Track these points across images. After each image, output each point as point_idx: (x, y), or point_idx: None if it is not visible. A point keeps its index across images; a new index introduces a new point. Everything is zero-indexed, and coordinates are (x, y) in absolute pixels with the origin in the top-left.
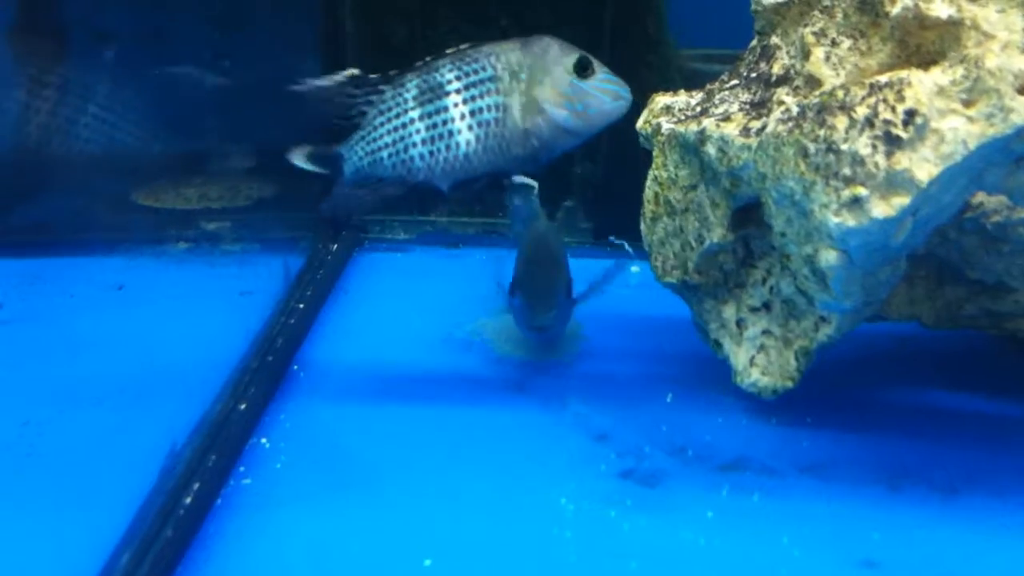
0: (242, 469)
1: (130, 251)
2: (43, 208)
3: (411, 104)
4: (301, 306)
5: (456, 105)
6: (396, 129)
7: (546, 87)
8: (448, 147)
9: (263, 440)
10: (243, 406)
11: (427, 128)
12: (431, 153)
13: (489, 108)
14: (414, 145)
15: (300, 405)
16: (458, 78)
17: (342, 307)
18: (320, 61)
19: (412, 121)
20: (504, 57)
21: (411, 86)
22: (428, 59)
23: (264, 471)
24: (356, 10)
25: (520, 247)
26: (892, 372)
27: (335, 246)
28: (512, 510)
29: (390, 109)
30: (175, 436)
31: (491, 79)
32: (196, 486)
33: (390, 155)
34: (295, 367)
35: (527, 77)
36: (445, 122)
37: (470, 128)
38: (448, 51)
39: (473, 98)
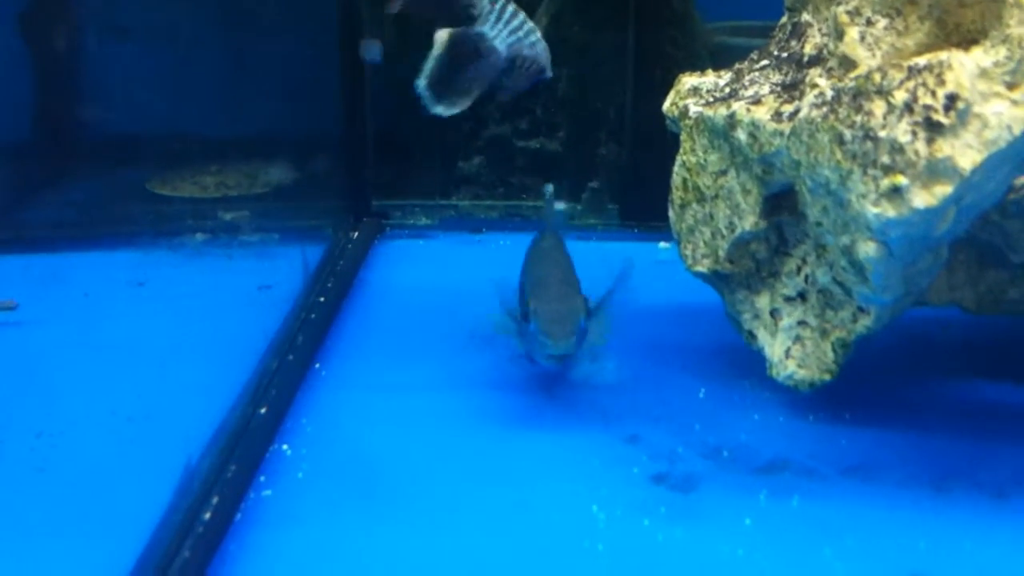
0: (263, 479)
1: (147, 244)
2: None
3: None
4: (322, 300)
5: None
6: (509, 21)
7: None
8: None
9: (284, 447)
10: (263, 410)
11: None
12: (531, 44)
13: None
14: (525, 35)
15: (323, 407)
16: None
17: (364, 300)
18: None
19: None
20: None
21: None
22: None
23: (286, 481)
24: None
25: (527, 264)
26: (934, 363)
27: (355, 234)
28: (541, 520)
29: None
30: (191, 449)
31: None
32: (215, 500)
33: (519, 38)
34: (317, 366)
35: None
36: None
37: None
38: None
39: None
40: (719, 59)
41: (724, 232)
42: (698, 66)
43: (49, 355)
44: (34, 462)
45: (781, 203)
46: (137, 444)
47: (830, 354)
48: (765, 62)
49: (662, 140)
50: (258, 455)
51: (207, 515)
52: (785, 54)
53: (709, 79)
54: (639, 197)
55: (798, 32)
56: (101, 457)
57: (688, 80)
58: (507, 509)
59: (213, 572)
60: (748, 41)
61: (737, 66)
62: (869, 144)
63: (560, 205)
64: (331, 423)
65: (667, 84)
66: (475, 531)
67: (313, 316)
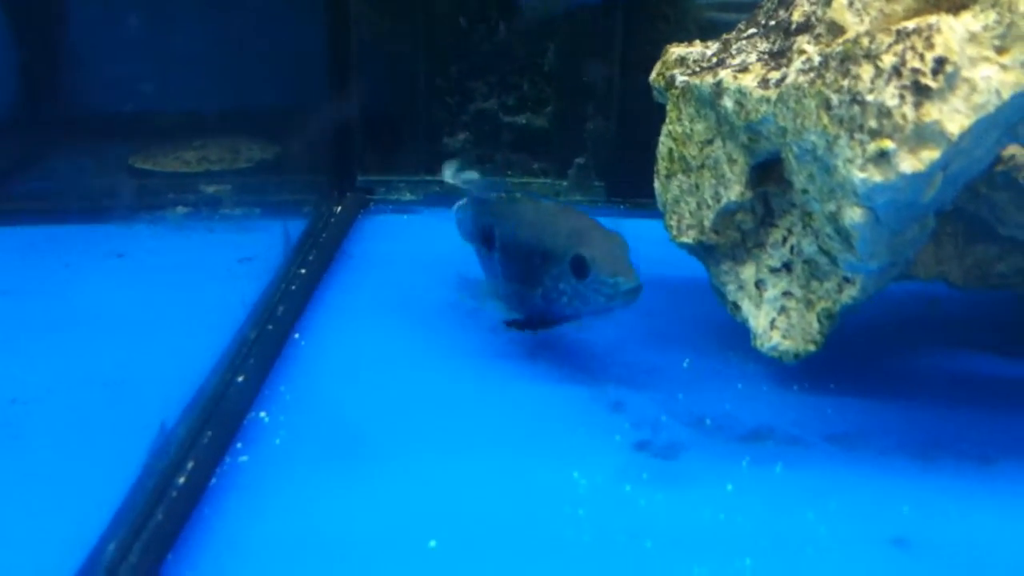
0: (239, 445)
1: (127, 217)
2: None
3: None
4: (303, 272)
5: None
6: None
7: None
8: None
9: (262, 414)
10: (241, 378)
11: None
12: None
13: None
14: None
15: (301, 376)
16: None
17: (346, 273)
18: None
19: None
20: None
21: None
22: None
23: (263, 447)
24: None
25: (512, 231)
26: (920, 335)
27: (339, 208)
28: (522, 485)
29: None
30: (167, 413)
31: None
32: (190, 465)
33: None
34: (296, 336)
35: None
36: None
37: None
38: None
39: None
40: (708, 35)
41: (710, 202)
42: (689, 40)
43: (26, 324)
44: (8, 428)
45: (767, 173)
46: (112, 409)
47: (815, 325)
48: (752, 31)
49: (650, 116)
50: (235, 422)
51: (181, 479)
52: (773, 22)
53: (696, 49)
54: (626, 173)
55: (787, 1)
56: (76, 422)
57: (675, 50)
58: (487, 475)
59: (187, 536)
60: (737, 17)
61: (724, 36)
62: (856, 108)
63: (472, 174)
64: (309, 391)
65: (656, 59)
66: (454, 498)
67: (294, 287)
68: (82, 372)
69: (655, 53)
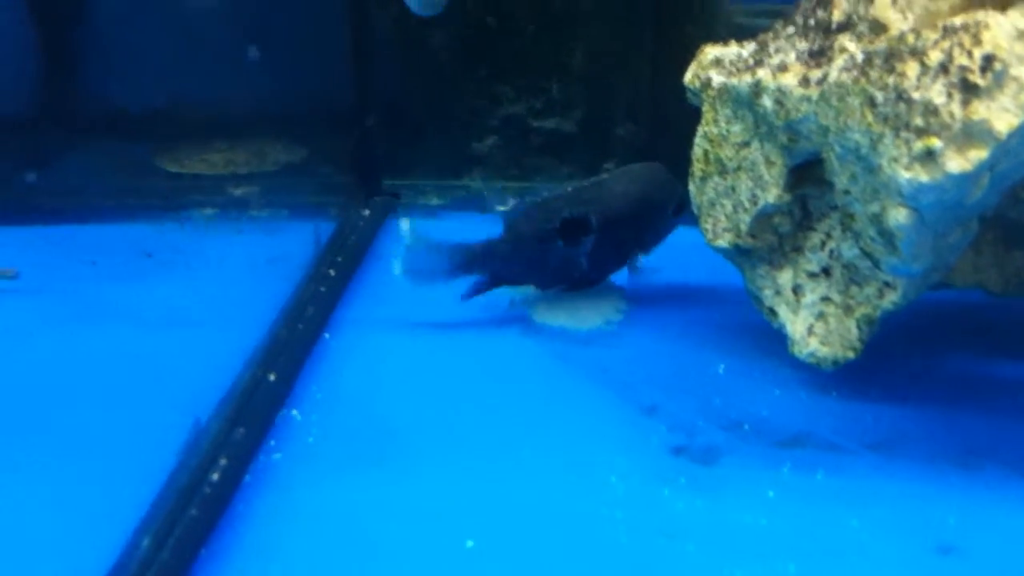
0: (272, 443)
1: (154, 217)
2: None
3: None
4: (332, 273)
5: None
6: None
7: None
8: None
9: (294, 412)
10: (272, 376)
11: None
12: None
13: None
14: None
15: (332, 375)
16: None
17: (375, 274)
18: None
19: None
20: None
21: None
22: None
23: (296, 445)
24: None
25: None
26: (959, 342)
27: (367, 212)
28: (559, 488)
29: None
30: (200, 410)
31: None
32: (223, 462)
33: None
34: (326, 335)
35: None
36: None
37: None
38: None
39: None
40: (738, 39)
41: (746, 205)
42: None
43: (56, 321)
44: (41, 424)
45: (805, 175)
46: (145, 406)
47: (854, 331)
48: (791, 30)
49: (680, 121)
50: (267, 420)
51: (215, 476)
52: (812, 22)
53: (732, 49)
54: None
55: (824, 1)
56: (109, 419)
57: (711, 51)
58: (522, 476)
59: (220, 532)
60: (767, 23)
61: (761, 36)
62: (902, 106)
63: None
64: (341, 391)
65: (686, 63)
66: (490, 498)
67: (323, 288)
68: (114, 369)
69: (685, 57)
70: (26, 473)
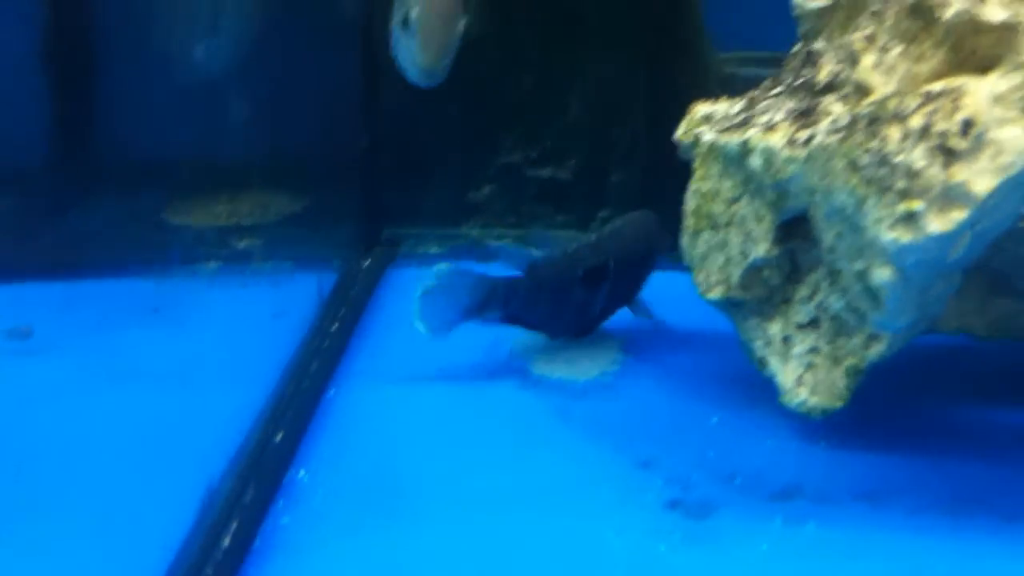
0: (280, 504)
1: (160, 272)
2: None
3: None
4: (335, 327)
5: None
6: None
7: None
8: None
9: (301, 472)
10: (279, 436)
11: None
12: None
13: None
14: None
15: (337, 433)
16: None
17: (377, 328)
18: None
19: None
20: None
21: None
22: None
23: (303, 507)
24: None
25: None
26: (945, 388)
27: (367, 262)
28: (559, 544)
29: None
30: (211, 471)
31: None
32: (234, 525)
33: None
34: (331, 392)
35: None
36: None
37: None
38: None
39: None
40: (728, 89)
41: (737, 259)
42: (709, 94)
43: (66, 380)
44: (52, 491)
45: (794, 230)
46: (155, 468)
47: (842, 381)
48: (779, 89)
49: (674, 169)
50: (275, 481)
51: (226, 540)
52: (799, 81)
53: (722, 106)
54: None
55: (812, 59)
56: (118, 481)
57: (701, 108)
58: (524, 534)
59: None
60: (757, 71)
61: (750, 94)
62: (885, 169)
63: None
64: (346, 449)
65: (679, 112)
66: (491, 557)
67: (327, 343)
68: (124, 431)
69: (678, 105)
70: (39, 544)
